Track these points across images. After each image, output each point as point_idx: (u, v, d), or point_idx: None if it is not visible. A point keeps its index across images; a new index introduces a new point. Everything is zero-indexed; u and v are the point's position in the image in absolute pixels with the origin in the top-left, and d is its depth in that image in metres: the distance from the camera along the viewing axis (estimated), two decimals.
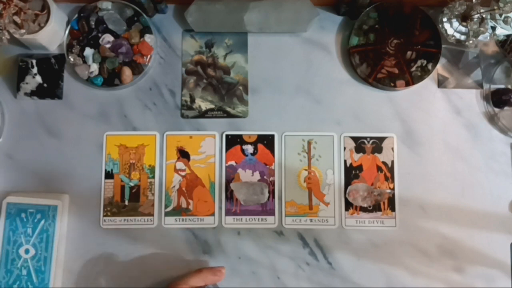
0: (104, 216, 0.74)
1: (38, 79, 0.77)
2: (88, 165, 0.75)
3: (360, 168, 0.76)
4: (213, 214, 0.75)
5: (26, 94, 0.76)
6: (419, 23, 0.77)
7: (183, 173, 0.76)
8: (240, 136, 0.76)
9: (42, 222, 0.70)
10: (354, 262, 0.74)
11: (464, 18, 0.73)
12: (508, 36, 0.76)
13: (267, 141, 0.76)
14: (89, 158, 0.75)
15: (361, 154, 0.76)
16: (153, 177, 0.75)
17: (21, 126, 0.76)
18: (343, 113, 0.77)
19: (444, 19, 0.75)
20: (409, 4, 0.77)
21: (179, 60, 0.78)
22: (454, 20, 0.74)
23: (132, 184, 0.75)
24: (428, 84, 0.78)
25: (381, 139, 0.76)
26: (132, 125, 0.76)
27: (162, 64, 0.78)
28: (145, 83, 0.78)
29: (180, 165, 0.76)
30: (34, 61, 0.77)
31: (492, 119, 0.77)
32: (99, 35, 0.76)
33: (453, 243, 0.74)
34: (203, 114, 0.77)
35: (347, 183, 0.76)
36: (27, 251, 0.70)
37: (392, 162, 0.76)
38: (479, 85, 0.78)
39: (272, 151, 0.76)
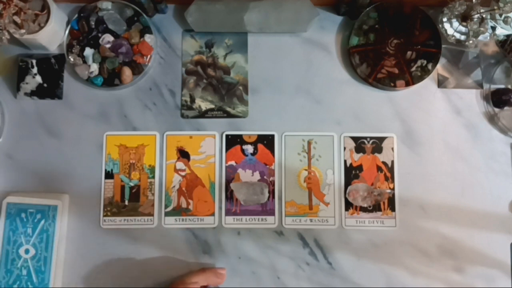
0: (104, 216, 0.74)
1: (38, 79, 0.77)
2: (88, 165, 0.75)
3: (360, 168, 0.76)
4: (213, 214, 0.75)
5: (26, 94, 0.76)
6: (419, 23, 0.77)
7: (183, 173, 0.76)
8: (240, 136, 0.76)
9: (42, 222, 0.70)
10: (354, 262, 0.74)
11: (464, 18, 0.73)
12: (508, 36, 0.76)
13: (267, 141, 0.76)
14: (89, 158, 0.75)
15: (361, 154, 0.76)
16: (153, 177, 0.75)
17: (21, 126, 0.76)
18: (343, 113, 0.77)
19: (444, 19, 0.75)
20: (409, 4, 0.77)
21: (179, 60, 0.78)
22: (454, 20, 0.74)
23: (132, 184, 0.75)
24: (428, 84, 0.78)
25: (381, 139, 0.76)
26: (132, 125, 0.76)
27: (162, 64, 0.78)
28: (145, 83, 0.78)
29: (180, 165, 0.76)
30: (34, 61, 0.77)
31: (492, 119, 0.77)
32: (99, 35, 0.76)
33: (453, 243, 0.74)
34: (203, 114, 0.77)
35: (347, 183, 0.76)
36: (27, 251, 0.70)
37: (392, 162, 0.76)
38: (479, 85, 0.78)
39: (272, 151, 0.76)
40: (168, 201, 0.75)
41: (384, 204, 0.75)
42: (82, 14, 0.76)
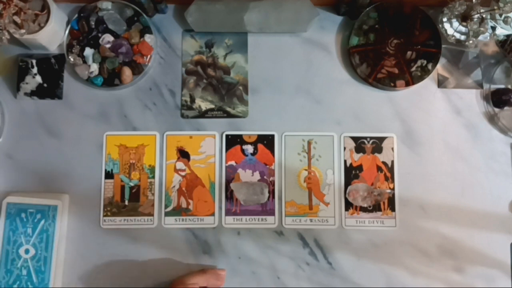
0: (104, 216, 0.74)
1: (38, 79, 0.77)
2: (88, 165, 0.75)
3: (360, 168, 0.76)
4: (213, 214, 0.75)
5: (26, 94, 0.76)
6: (419, 23, 0.77)
7: (183, 173, 0.76)
8: (240, 136, 0.76)
9: (42, 222, 0.70)
10: (354, 262, 0.74)
11: (464, 18, 0.73)
12: (508, 36, 0.76)
13: (267, 141, 0.76)
14: (89, 158, 0.75)
15: (361, 154, 0.76)
16: (153, 177, 0.75)
17: (21, 126, 0.76)
18: (343, 113, 0.77)
19: (444, 19, 0.75)
20: (409, 4, 0.77)
21: (179, 60, 0.78)
22: (454, 20, 0.74)
23: (132, 184, 0.75)
24: (428, 84, 0.78)
25: (381, 139, 0.76)
26: (132, 125, 0.76)
27: (162, 64, 0.78)
28: (145, 83, 0.78)
29: (180, 165, 0.76)
30: (34, 61, 0.77)
31: (492, 119, 0.77)
32: (99, 35, 0.76)
33: (453, 243, 0.74)
34: (203, 114, 0.77)
35: (347, 183, 0.76)
36: (27, 251, 0.70)
37: (392, 162, 0.76)
38: (479, 85, 0.78)
39: (272, 151, 0.76)
40: (168, 201, 0.75)
41: (384, 204, 0.75)
42: (82, 14, 0.76)
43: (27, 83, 0.76)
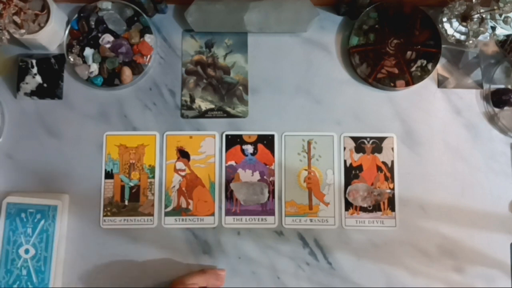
0: (104, 216, 0.74)
1: (38, 79, 0.77)
2: (88, 165, 0.75)
3: (360, 168, 0.76)
4: (213, 214, 0.75)
5: (26, 94, 0.76)
6: (419, 23, 0.77)
7: (183, 173, 0.76)
8: (240, 136, 0.76)
9: (42, 222, 0.70)
10: (354, 262, 0.74)
11: (464, 18, 0.73)
12: (508, 36, 0.76)
13: (267, 141, 0.76)
14: (89, 158, 0.75)
15: (361, 154, 0.76)
16: (153, 177, 0.75)
17: (21, 126, 0.76)
18: (343, 113, 0.77)
19: (444, 19, 0.75)
20: (409, 4, 0.77)
21: (179, 60, 0.78)
22: (454, 20, 0.74)
23: (132, 184, 0.75)
24: (428, 84, 0.78)
25: (381, 139, 0.76)
26: (132, 125, 0.76)
27: (162, 64, 0.78)
28: (145, 83, 0.78)
29: (180, 165, 0.76)
30: (34, 61, 0.77)
31: (492, 119, 0.77)
32: (99, 35, 0.76)
33: (453, 243, 0.74)
34: (203, 114, 0.77)
35: (347, 183, 0.76)
36: (27, 251, 0.70)
37: (392, 162, 0.76)
38: (479, 85, 0.78)
39: (272, 151, 0.76)
40: (168, 201, 0.75)
41: (384, 204, 0.75)
42: (82, 14, 0.76)
43: (27, 83, 0.76)
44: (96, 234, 0.74)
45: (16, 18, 0.68)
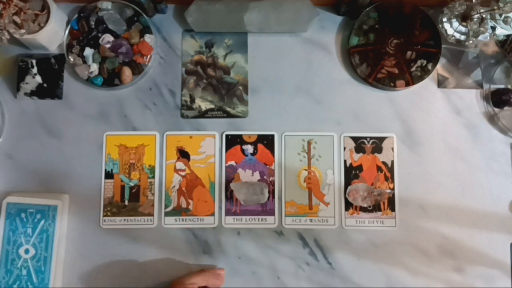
0: (104, 216, 0.74)
1: (38, 79, 0.77)
2: (88, 165, 0.75)
3: (360, 168, 0.76)
4: (213, 214, 0.75)
5: (26, 94, 0.76)
6: (419, 23, 0.77)
7: (183, 173, 0.76)
8: (240, 136, 0.76)
9: (42, 222, 0.70)
10: (354, 262, 0.74)
11: (464, 18, 0.73)
12: (508, 36, 0.76)
13: (267, 141, 0.76)
14: (89, 158, 0.75)
15: (361, 154, 0.76)
16: (153, 177, 0.75)
17: (21, 126, 0.76)
18: (343, 113, 0.77)
19: (444, 19, 0.75)
20: (409, 4, 0.77)
21: (179, 60, 0.78)
22: (454, 20, 0.74)
23: (132, 184, 0.75)
24: (428, 84, 0.78)
25: (381, 139, 0.76)
26: (132, 125, 0.76)
27: (162, 64, 0.78)
28: (145, 83, 0.78)
29: (180, 165, 0.76)
30: (34, 61, 0.77)
31: (492, 119, 0.77)
32: (99, 35, 0.76)
33: (453, 243, 0.74)
34: (203, 114, 0.77)
35: (347, 183, 0.76)
36: (27, 251, 0.70)
37: (392, 162, 0.76)
38: (479, 85, 0.78)
39: (272, 151, 0.76)
40: (168, 201, 0.75)
41: (384, 204, 0.75)
42: (82, 14, 0.76)
43: (27, 83, 0.76)
44: (96, 234, 0.74)
45: (16, 18, 0.68)
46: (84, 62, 0.76)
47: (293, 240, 0.74)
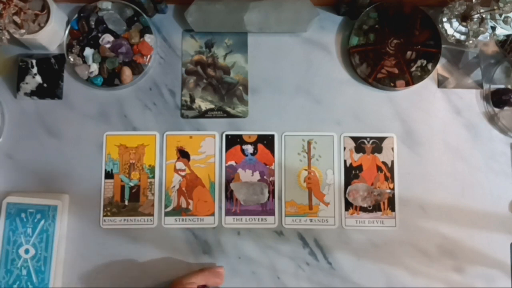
0: (104, 216, 0.74)
1: (38, 79, 0.77)
2: (88, 165, 0.75)
3: (360, 168, 0.76)
4: (213, 214, 0.75)
5: (26, 94, 0.76)
6: (419, 23, 0.77)
7: (183, 173, 0.76)
8: (240, 136, 0.76)
9: (42, 222, 0.70)
10: (354, 262, 0.74)
11: (464, 18, 0.73)
12: (508, 36, 0.76)
13: (267, 141, 0.76)
14: (89, 158, 0.75)
15: (361, 154, 0.76)
16: (153, 177, 0.75)
17: (21, 126, 0.76)
18: (343, 113, 0.77)
19: (444, 19, 0.75)
20: (409, 4, 0.77)
21: (179, 60, 0.78)
22: (454, 20, 0.74)
23: (132, 184, 0.75)
24: (428, 84, 0.78)
25: (381, 139, 0.76)
26: (132, 125, 0.76)
27: (162, 64, 0.78)
28: (145, 83, 0.78)
29: (180, 165, 0.76)
30: (34, 61, 0.77)
31: (492, 119, 0.77)
32: (99, 35, 0.76)
33: (453, 243, 0.74)
34: (203, 114, 0.77)
35: (347, 183, 0.76)
36: (27, 251, 0.70)
37: (392, 162, 0.76)
38: (479, 85, 0.78)
39: (272, 151, 0.76)
40: (168, 201, 0.75)
41: (384, 204, 0.75)
42: (82, 14, 0.76)
43: (27, 83, 0.76)
44: (96, 234, 0.74)
45: (16, 18, 0.68)
46: (84, 62, 0.76)
47: (293, 240, 0.74)
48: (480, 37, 0.72)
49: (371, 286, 0.73)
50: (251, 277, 0.73)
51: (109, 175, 0.75)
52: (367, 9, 0.77)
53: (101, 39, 0.76)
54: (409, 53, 0.77)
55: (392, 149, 0.76)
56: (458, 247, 0.74)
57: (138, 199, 0.75)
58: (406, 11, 0.77)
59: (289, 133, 0.76)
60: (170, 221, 0.74)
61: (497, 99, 0.77)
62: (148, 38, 0.76)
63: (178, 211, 0.75)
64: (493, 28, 0.73)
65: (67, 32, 0.76)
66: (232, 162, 0.76)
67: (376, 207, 0.75)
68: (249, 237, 0.74)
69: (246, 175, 0.76)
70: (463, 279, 0.73)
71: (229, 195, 0.75)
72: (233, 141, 0.76)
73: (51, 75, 0.77)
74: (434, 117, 0.77)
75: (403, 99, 0.77)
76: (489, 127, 0.77)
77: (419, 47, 0.76)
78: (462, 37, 0.74)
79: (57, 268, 0.70)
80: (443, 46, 0.76)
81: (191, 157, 0.76)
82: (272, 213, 0.75)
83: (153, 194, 0.75)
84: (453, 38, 0.74)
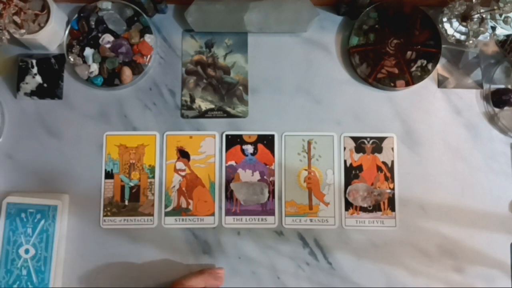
0: (104, 216, 0.74)
1: (38, 79, 0.77)
2: (88, 165, 0.75)
3: (360, 168, 0.76)
4: (213, 214, 0.75)
5: (26, 94, 0.76)
6: (419, 23, 0.77)
7: (183, 173, 0.76)
8: (240, 136, 0.76)
9: (42, 222, 0.70)
10: (354, 262, 0.74)
11: (464, 18, 0.73)
12: (508, 36, 0.76)
13: (267, 141, 0.76)
14: (89, 158, 0.75)
15: (361, 154, 0.76)
16: (153, 177, 0.75)
17: (21, 126, 0.76)
18: (343, 113, 0.77)
19: (444, 19, 0.75)
20: (409, 4, 0.77)
21: (179, 60, 0.78)
22: (454, 20, 0.74)
23: (132, 184, 0.75)
24: (428, 84, 0.78)
25: (381, 139, 0.76)
26: (132, 125, 0.76)
27: (162, 64, 0.78)
28: (145, 83, 0.78)
29: (180, 165, 0.76)
30: (34, 61, 0.77)
31: (492, 119, 0.77)
32: (99, 35, 0.76)
33: (453, 243, 0.74)
34: (203, 114, 0.77)
35: (347, 183, 0.76)
36: (27, 251, 0.70)
37: (392, 162, 0.76)
38: (479, 85, 0.78)
39: (272, 151, 0.76)
40: (168, 201, 0.75)
41: (384, 204, 0.75)
42: (82, 14, 0.76)
43: (27, 83, 0.76)
44: (96, 234, 0.74)
45: (16, 18, 0.68)
46: (84, 62, 0.76)
47: (293, 240, 0.74)
48: (480, 37, 0.72)
49: (371, 286, 0.73)
50: (251, 277, 0.73)
51: (109, 175, 0.75)
52: (367, 9, 0.77)
53: (101, 39, 0.76)
54: (409, 53, 0.77)
55: (392, 149, 0.76)
56: (458, 247, 0.74)
57: (138, 199, 0.75)
58: (406, 11, 0.77)
59: (289, 133, 0.76)
60: (170, 221, 0.74)
61: (497, 99, 0.77)
62: (148, 38, 0.76)
63: (178, 211, 0.75)
64: (493, 28, 0.73)
65: (67, 32, 0.76)
66: (232, 162, 0.76)
67: (376, 207, 0.75)
68: (249, 237, 0.74)
69: (246, 175, 0.76)
70: (463, 279, 0.73)
71: (229, 195, 0.75)
72: (233, 141, 0.76)
73: (51, 75, 0.77)
74: (434, 117, 0.77)
75: (403, 99, 0.78)
76: (489, 127, 0.77)
77: (419, 47, 0.76)
78: (462, 37, 0.74)
79: (57, 268, 0.70)
80: (443, 46, 0.76)
81: (191, 157, 0.76)
82: (272, 213, 0.75)
83: (153, 194, 0.75)
84: (453, 38, 0.74)
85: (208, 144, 0.76)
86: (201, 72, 0.78)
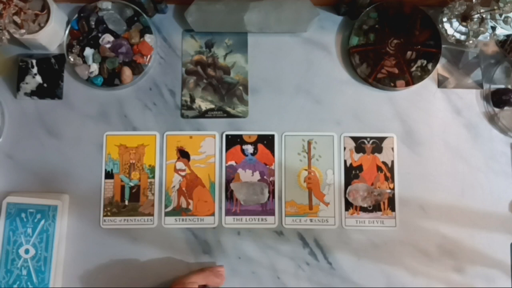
0: (104, 216, 0.74)
1: (38, 79, 0.77)
2: (88, 165, 0.75)
3: (360, 168, 0.76)
4: (213, 214, 0.75)
5: (26, 94, 0.76)
6: (419, 23, 0.77)
7: (183, 173, 0.76)
8: (240, 136, 0.76)
9: (42, 222, 0.70)
10: (354, 262, 0.74)
11: (464, 18, 0.73)
12: (508, 36, 0.76)
13: (267, 141, 0.76)
14: (89, 158, 0.75)
15: (361, 154, 0.76)
16: (153, 177, 0.75)
17: (21, 126, 0.76)
18: (343, 113, 0.77)
19: (444, 19, 0.75)
20: (409, 4, 0.77)
21: (179, 60, 0.78)
22: (454, 20, 0.74)
23: (132, 184, 0.75)
24: (428, 84, 0.78)
25: (381, 139, 0.76)
26: (132, 125, 0.76)
27: (162, 64, 0.78)
28: (145, 83, 0.78)
29: (180, 165, 0.76)
30: (34, 61, 0.77)
31: (492, 119, 0.77)
32: (99, 35, 0.76)
33: (453, 243, 0.74)
34: (203, 114, 0.77)
35: (347, 183, 0.76)
36: (27, 251, 0.70)
37: (392, 162, 0.76)
38: (479, 85, 0.78)
39: (272, 151, 0.76)
40: (168, 201, 0.75)
41: (384, 204, 0.75)
42: (82, 14, 0.76)
43: (27, 83, 0.76)
44: (96, 234, 0.74)
45: (16, 18, 0.68)
46: (84, 62, 0.76)
47: (293, 240, 0.74)
48: (480, 37, 0.72)
49: (371, 286, 0.73)
50: (251, 277, 0.73)
51: (109, 175, 0.75)
52: (367, 9, 0.77)
53: (101, 39, 0.76)
54: (409, 53, 0.77)
55: (392, 149, 0.76)
56: (458, 247, 0.74)
57: (138, 199, 0.75)
58: (406, 11, 0.77)
59: (289, 133, 0.76)
60: (170, 221, 0.74)
61: (497, 99, 0.77)
62: (148, 38, 0.76)
63: (178, 211, 0.75)
64: (493, 28, 0.73)
65: (67, 32, 0.76)
66: (232, 162, 0.76)
67: (376, 207, 0.75)
68: (249, 237, 0.74)
69: (246, 175, 0.76)
70: (463, 279, 0.73)
71: (229, 195, 0.75)
72: (233, 141, 0.76)
73: (51, 75, 0.77)
74: (434, 117, 0.77)
75: (403, 99, 0.78)
76: (489, 127, 0.77)
77: (419, 47, 0.76)
78: (462, 37, 0.74)
79: (57, 268, 0.70)
80: (443, 46, 0.76)
81: (191, 157, 0.76)
82: (272, 213, 0.75)
83: (153, 194, 0.75)
84: (453, 38, 0.74)
85: (208, 144, 0.76)
86: (201, 72, 0.78)
